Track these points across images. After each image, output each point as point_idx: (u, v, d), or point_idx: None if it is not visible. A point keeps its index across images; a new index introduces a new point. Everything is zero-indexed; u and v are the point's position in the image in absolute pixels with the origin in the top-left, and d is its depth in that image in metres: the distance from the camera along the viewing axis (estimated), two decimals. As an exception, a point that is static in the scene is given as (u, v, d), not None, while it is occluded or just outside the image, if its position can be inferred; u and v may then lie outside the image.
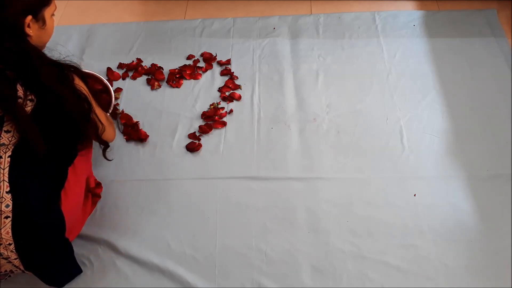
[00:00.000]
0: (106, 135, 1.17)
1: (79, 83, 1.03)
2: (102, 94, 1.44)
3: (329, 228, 1.24)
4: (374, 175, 1.35)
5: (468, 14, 1.78)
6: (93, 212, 1.29)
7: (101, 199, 1.32)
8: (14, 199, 0.94)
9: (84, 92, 1.03)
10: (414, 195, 1.30)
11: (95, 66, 1.66)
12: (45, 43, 1.02)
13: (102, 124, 1.10)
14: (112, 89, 1.43)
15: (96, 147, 1.42)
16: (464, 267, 1.16)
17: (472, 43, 1.68)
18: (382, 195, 1.30)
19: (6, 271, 1.02)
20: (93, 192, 1.28)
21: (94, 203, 1.29)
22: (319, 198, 1.30)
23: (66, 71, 1.00)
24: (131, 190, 1.34)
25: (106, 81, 1.44)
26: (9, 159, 0.93)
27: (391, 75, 1.60)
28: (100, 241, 1.23)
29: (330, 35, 1.75)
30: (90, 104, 1.04)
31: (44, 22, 0.97)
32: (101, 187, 1.33)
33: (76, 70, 1.04)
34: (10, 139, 0.92)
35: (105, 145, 1.18)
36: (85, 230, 1.24)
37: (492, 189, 1.30)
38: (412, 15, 1.81)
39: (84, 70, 1.44)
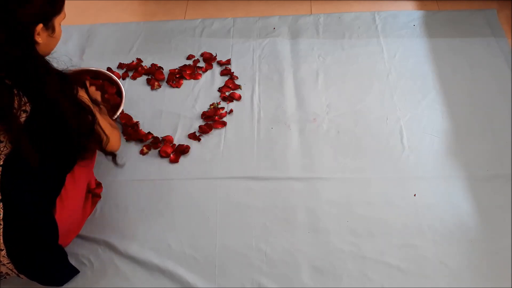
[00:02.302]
0: (111, 145, 1.15)
1: (83, 95, 1.01)
2: (114, 95, 1.45)
3: (329, 228, 1.24)
4: (374, 175, 1.35)
5: (468, 14, 1.78)
6: (93, 212, 1.29)
7: (101, 199, 1.32)
8: (5, 207, 0.95)
9: (88, 104, 1.01)
10: (414, 195, 1.30)
11: (95, 66, 1.66)
12: (52, 50, 1.01)
13: (106, 135, 1.09)
14: (123, 89, 1.45)
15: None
16: (464, 267, 1.16)
17: (472, 43, 1.68)
18: (382, 195, 1.30)
19: (1, 272, 1.03)
20: (93, 192, 1.28)
21: (94, 203, 1.29)
22: (319, 198, 1.30)
23: (71, 82, 0.98)
24: (131, 190, 1.34)
25: (117, 80, 1.47)
26: (0, 168, 0.93)
27: (391, 75, 1.60)
28: (100, 241, 1.23)
29: (330, 35, 1.75)
30: (94, 117, 1.03)
31: (53, 30, 0.96)
32: (101, 187, 1.33)
33: (80, 81, 1.02)
34: (2, 149, 0.92)
35: (112, 155, 1.19)
36: (85, 230, 1.24)
37: (492, 189, 1.30)
38: (412, 15, 1.81)
39: (96, 68, 1.48)
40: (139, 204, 1.31)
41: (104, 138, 1.08)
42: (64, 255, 1.11)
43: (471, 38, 1.70)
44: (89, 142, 1.04)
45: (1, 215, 0.95)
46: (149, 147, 1.43)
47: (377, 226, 1.24)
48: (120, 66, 1.68)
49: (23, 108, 0.90)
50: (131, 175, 1.37)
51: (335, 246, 1.21)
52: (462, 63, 1.62)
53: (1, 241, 0.95)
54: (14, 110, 0.88)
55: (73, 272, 1.16)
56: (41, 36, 0.92)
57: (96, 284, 1.16)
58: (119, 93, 1.45)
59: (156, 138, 1.45)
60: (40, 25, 0.91)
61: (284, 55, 1.69)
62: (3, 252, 0.96)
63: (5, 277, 1.06)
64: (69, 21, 1.88)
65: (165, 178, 1.37)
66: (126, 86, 1.62)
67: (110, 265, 1.19)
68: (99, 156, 1.34)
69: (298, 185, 1.33)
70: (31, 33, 0.90)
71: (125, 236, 1.24)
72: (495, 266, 1.16)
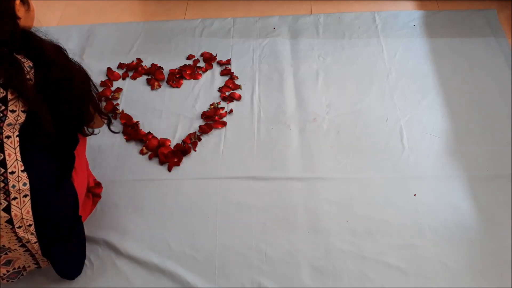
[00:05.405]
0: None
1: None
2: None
3: (329, 228, 1.24)
4: (374, 175, 1.35)
5: (468, 14, 1.78)
6: (93, 212, 1.29)
7: (101, 199, 1.32)
8: (30, 177, 0.94)
9: (84, 71, 1.04)
10: (414, 195, 1.30)
11: (95, 66, 1.66)
12: (31, 26, 1.02)
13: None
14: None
15: (96, 147, 1.42)
16: (464, 267, 1.16)
17: (472, 43, 1.68)
18: (382, 195, 1.30)
19: (19, 267, 1.02)
20: (93, 192, 1.28)
21: (94, 203, 1.29)
22: (319, 198, 1.30)
23: (63, 50, 1.00)
24: (131, 190, 1.34)
25: None
26: (17, 138, 0.93)
27: (391, 75, 1.60)
28: (100, 241, 1.23)
29: (330, 35, 1.75)
30: (90, 84, 1.05)
31: (29, 6, 0.99)
32: (101, 187, 1.33)
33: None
34: (16, 118, 0.92)
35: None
36: (85, 230, 1.23)
37: (492, 189, 1.30)
38: (412, 15, 1.81)
39: None
40: (139, 204, 1.31)
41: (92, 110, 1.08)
42: (82, 229, 1.14)
43: (471, 38, 1.70)
44: (88, 109, 1.05)
45: (28, 185, 0.93)
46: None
47: (377, 226, 1.24)
48: (120, 66, 1.68)
49: (28, 76, 0.91)
50: (131, 175, 1.37)
51: (335, 246, 1.21)
52: (462, 63, 1.62)
53: (30, 214, 0.94)
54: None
55: (82, 260, 1.17)
56: (20, 11, 0.95)
57: (96, 284, 1.16)
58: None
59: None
60: (18, 1, 0.94)
61: (284, 55, 1.69)
62: (32, 228, 0.96)
63: (22, 274, 1.05)
64: (69, 21, 1.90)
65: (165, 178, 1.37)
66: (126, 86, 1.62)
67: (110, 265, 1.19)
68: (99, 156, 1.35)
69: (298, 185, 1.33)
70: (12, 7, 0.93)
71: (125, 236, 1.24)
72: (495, 266, 1.16)
